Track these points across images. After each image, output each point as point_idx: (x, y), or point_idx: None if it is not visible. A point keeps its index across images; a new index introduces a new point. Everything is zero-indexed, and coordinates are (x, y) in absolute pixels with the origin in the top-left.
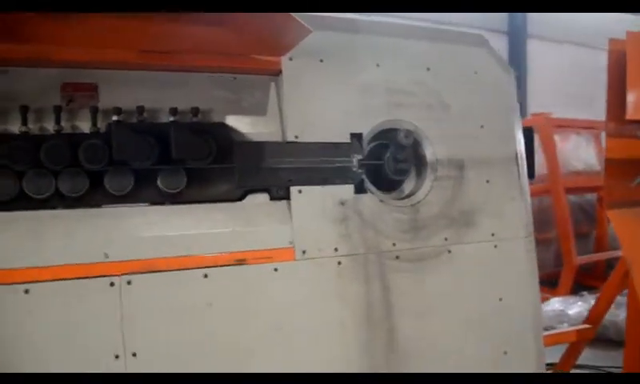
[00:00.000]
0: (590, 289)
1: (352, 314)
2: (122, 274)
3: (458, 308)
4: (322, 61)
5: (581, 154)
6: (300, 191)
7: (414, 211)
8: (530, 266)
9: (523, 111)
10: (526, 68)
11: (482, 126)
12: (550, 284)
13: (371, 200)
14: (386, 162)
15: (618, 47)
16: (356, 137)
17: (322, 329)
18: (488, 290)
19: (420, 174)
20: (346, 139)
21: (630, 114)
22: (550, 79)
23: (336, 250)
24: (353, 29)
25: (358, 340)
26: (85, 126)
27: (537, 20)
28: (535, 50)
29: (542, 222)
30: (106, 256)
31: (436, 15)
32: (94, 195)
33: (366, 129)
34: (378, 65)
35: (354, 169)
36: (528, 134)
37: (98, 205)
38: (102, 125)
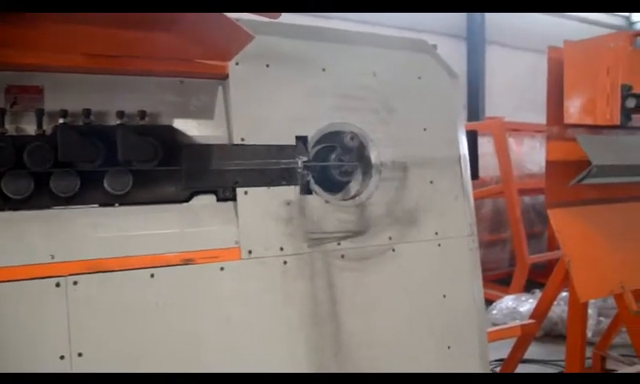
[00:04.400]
0: (543, 286)
1: (298, 311)
2: (68, 275)
3: (402, 305)
4: (268, 66)
5: (535, 156)
6: (246, 192)
7: (359, 211)
8: (473, 263)
9: (481, 115)
10: (484, 73)
11: (425, 129)
12: (505, 283)
13: (316, 201)
14: (331, 164)
15: (556, 55)
16: (301, 139)
17: (269, 326)
18: (432, 287)
19: (365, 175)
20: (292, 142)
21: (568, 118)
22: (509, 84)
23: (282, 249)
24: (299, 35)
25: (304, 337)
26: (30, 129)
27: (495, 26)
28: (494, 56)
29: (497, 223)
30: (52, 257)
31: (399, 21)
32: (40, 197)
33: (312, 132)
34: (324, 69)
35: (299, 170)
36: (472, 136)
37: (44, 207)
38: (47, 127)
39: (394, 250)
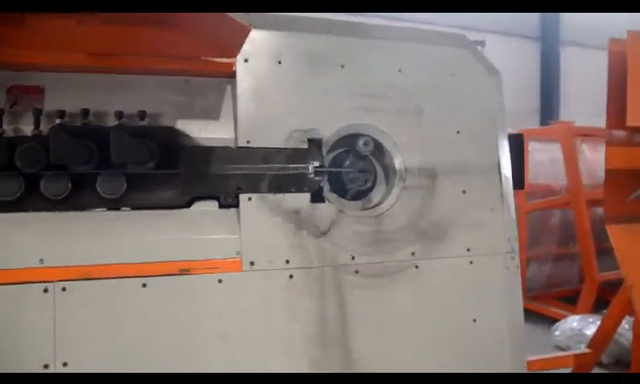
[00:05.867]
0: None
1: (303, 330)
2: (57, 281)
3: (424, 329)
4: (280, 62)
5: None
6: (250, 199)
7: (377, 223)
8: (510, 284)
9: (555, 119)
10: (558, 75)
11: (458, 132)
12: (574, 301)
13: (329, 209)
14: (345, 170)
15: (618, 48)
16: (314, 142)
17: (269, 346)
18: (460, 309)
19: (388, 183)
20: (304, 145)
21: (631, 120)
22: (587, 87)
23: (287, 262)
24: (315, 29)
25: (308, 360)
26: (29, 130)
27: (571, 26)
28: (570, 57)
29: (567, 235)
30: (41, 261)
31: (459, 21)
32: (30, 200)
33: (327, 134)
34: (342, 66)
35: (310, 176)
36: (517, 141)
37: (34, 209)
38: (45, 128)
39: (417, 267)
